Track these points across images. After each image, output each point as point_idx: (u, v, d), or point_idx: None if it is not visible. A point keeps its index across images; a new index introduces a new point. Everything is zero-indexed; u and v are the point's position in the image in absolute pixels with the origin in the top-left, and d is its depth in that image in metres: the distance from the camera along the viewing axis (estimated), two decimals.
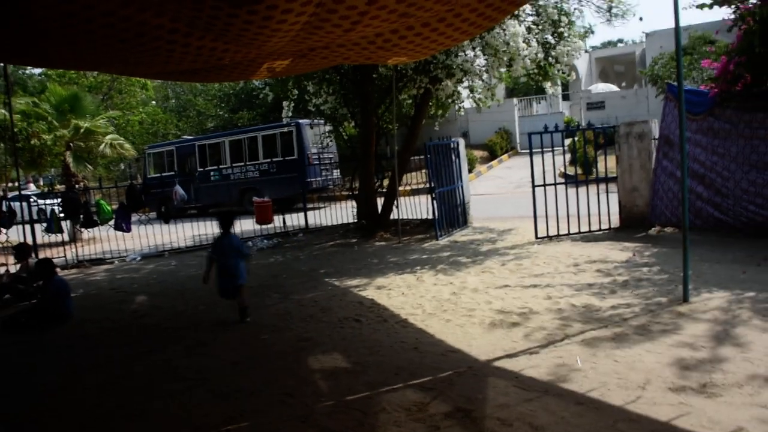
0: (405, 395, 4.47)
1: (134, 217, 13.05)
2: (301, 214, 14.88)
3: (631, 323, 5.61)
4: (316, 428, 4.06)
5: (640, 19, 31.08)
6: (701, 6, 9.74)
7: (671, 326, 5.43)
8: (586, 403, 4.08)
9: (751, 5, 8.72)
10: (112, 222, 12.41)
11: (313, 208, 17.69)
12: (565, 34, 11.90)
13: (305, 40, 5.92)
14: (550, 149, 11.10)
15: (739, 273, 7.02)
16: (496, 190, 20.48)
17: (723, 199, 9.20)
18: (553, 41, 11.74)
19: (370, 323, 6.44)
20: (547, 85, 12.96)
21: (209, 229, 15.15)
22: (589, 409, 4.00)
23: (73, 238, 15.71)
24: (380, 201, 13.33)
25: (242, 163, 22.15)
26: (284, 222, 14.51)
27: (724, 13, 9.21)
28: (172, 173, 23.29)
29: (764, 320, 5.38)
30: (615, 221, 10.67)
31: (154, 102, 32.85)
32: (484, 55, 11.38)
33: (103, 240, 15.08)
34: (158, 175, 23.80)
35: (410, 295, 7.41)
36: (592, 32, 12.43)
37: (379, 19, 5.35)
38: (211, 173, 22.84)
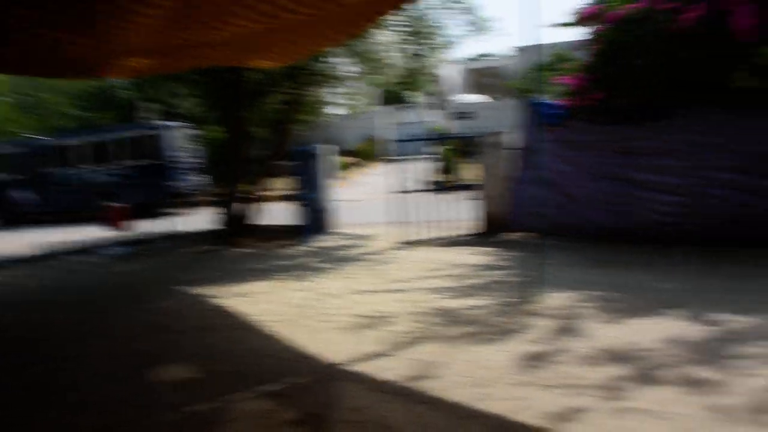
0: (257, 403, 4.34)
1: None
2: (162, 220, 14.22)
3: (483, 324, 5.76)
4: None
5: (506, 36, 32.70)
6: (564, 25, 10.35)
7: (520, 326, 5.63)
8: (438, 402, 4.13)
9: (603, 27, 9.30)
10: None
11: (176, 214, 16.98)
12: (434, 45, 12.19)
13: (167, 36, 5.60)
14: (420, 156, 11.28)
15: (584, 275, 7.43)
16: (364, 197, 20.60)
17: (574, 206, 9.71)
18: (421, 52, 11.98)
19: (226, 331, 6.21)
20: (415, 94, 13.22)
21: (60, 235, 14.23)
22: (440, 407, 4.06)
23: None
24: (246, 207, 12.98)
25: (99, 166, 20.88)
26: (143, 229, 13.80)
27: (583, 33, 9.79)
28: (16, 176, 21.54)
29: (601, 317, 5.73)
30: (478, 227, 10.98)
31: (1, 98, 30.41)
32: (353, 62, 11.42)
33: None
34: (4, 176, 21.94)
35: (271, 302, 7.23)
36: (461, 43, 12.84)
37: (245, 20, 5.17)
38: (64, 176, 21.36)
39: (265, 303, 7.22)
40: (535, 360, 4.76)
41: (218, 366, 5.19)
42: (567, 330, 5.44)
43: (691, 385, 4.11)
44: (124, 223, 13.12)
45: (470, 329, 5.64)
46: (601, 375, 4.36)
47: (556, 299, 6.42)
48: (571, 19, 10.01)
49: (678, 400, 3.90)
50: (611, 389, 4.12)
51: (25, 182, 20.14)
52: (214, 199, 13.89)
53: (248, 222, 12.80)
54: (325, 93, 12.41)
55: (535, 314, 5.95)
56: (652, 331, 5.21)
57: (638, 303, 6.07)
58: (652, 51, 8.30)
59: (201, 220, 14.43)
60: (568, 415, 3.79)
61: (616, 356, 4.70)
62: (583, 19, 9.61)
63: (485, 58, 51.74)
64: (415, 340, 5.45)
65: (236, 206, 12.79)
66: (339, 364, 5.01)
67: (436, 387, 4.37)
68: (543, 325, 5.62)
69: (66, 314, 7.49)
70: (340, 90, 12.79)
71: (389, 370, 4.76)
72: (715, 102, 8.34)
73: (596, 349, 4.89)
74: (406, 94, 13.59)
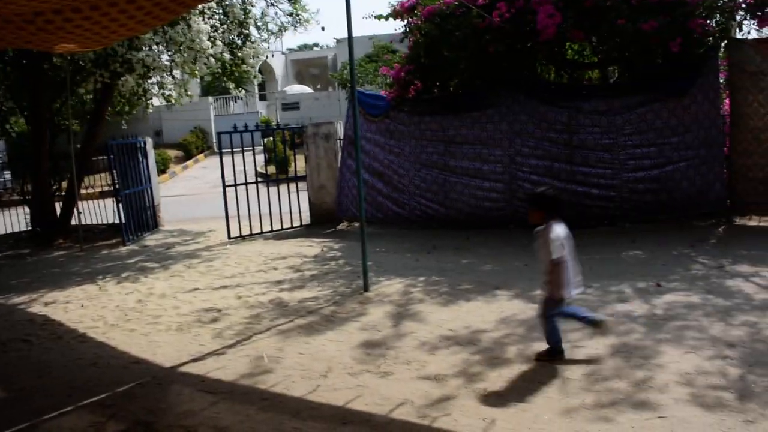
0: (79, 417, 4.07)
1: None
2: None
3: (316, 315, 5.84)
4: None
5: (323, 28, 33.04)
6: (379, 17, 10.60)
7: (353, 314, 5.77)
8: (271, 398, 4.12)
9: (418, 21, 9.69)
10: None
11: None
12: (251, 36, 12.02)
13: None
14: (248, 149, 11.11)
15: (413, 261, 7.75)
16: (191, 191, 19.95)
17: (400, 194, 10.08)
18: (239, 42, 11.77)
19: (41, 343, 5.75)
20: (232, 86, 13.01)
21: None
22: (273, 403, 4.05)
23: None
24: (59, 205, 12.06)
25: None
26: None
27: (399, 25, 10.13)
28: None
29: (433, 301, 6.01)
30: (306, 219, 11.05)
31: None
32: (168, 50, 10.97)
33: None
34: None
35: (91, 307, 6.80)
36: (281, 33, 12.74)
37: None
38: None
39: (87, 308, 6.78)
40: (370, 348, 4.89)
41: (34, 381, 4.79)
42: (401, 316, 5.64)
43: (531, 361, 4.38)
44: None
45: (303, 321, 5.69)
46: (440, 359, 4.55)
47: (386, 286, 6.64)
48: (387, 12, 10.32)
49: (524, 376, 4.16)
50: (454, 373, 4.28)
51: None
52: (22, 197, 12.75)
53: (63, 221, 11.92)
54: (143, 82, 11.78)
55: (367, 302, 6.12)
56: (486, 312, 5.53)
57: (467, 285, 6.43)
58: (463, 45, 8.79)
59: (8, 221, 13.20)
60: (409, 401, 3.90)
61: (454, 339, 4.93)
62: (399, 12, 9.95)
63: (311, 49, 51.87)
64: (247, 336, 5.40)
65: (48, 205, 11.85)
66: (169, 366, 4.84)
67: (270, 382, 4.36)
68: (376, 312, 5.80)
69: None
70: (158, 80, 12.21)
71: (221, 369, 4.68)
72: (525, 93, 9.03)
73: (434, 332, 5.10)
74: (230, 84, 13.27)
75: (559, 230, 4.27)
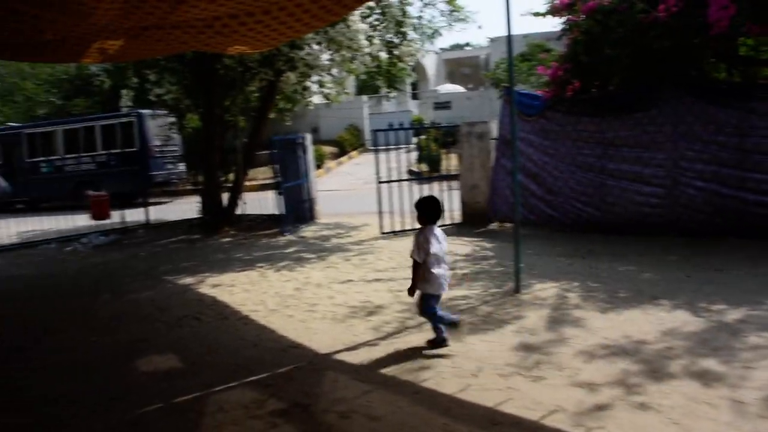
0: (243, 393, 4.35)
1: None
2: (142, 209, 14.13)
3: (467, 314, 5.82)
4: None
5: (479, 27, 32.84)
6: (536, 14, 10.39)
7: (504, 315, 5.71)
8: (422, 393, 4.17)
9: (577, 17, 9.39)
10: None
11: (156, 203, 16.87)
12: (408, 35, 12.19)
13: (134, 13, 5.53)
14: (399, 146, 11.33)
15: (567, 265, 7.53)
16: (344, 186, 20.62)
17: (554, 197, 9.83)
18: (396, 41, 11.98)
19: (209, 321, 6.22)
20: (394, 84, 13.25)
21: (38, 224, 14.08)
22: (424, 398, 4.09)
23: None
24: (226, 196, 12.96)
25: (77, 155, 20.67)
26: (123, 218, 13.71)
27: (557, 23, 9.88)
28: None
29: (588, 307, 5.79)
30: (457, 217, 11.07)
31: None
32: (328, 50, 11.40)
33: None
34: None
35: (253, 292, 7.25)
36: (440, 33, 12.87)
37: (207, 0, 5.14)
38: (42, 164, 21.11)
39: (250, 293, 7.24)
40: (522, 350, 4.81)
41: (204, 356, 5.20)
42: (554, 320, 5.51)
43: (698, 377, 4.11)
44: (104, 212, 13.02)
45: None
46: (596, 368, 4.39)
47: (538, 290, 6.50)
48: (545, 9, 10.08)
49: (687, 394, 3.91)
50: (610, 382, 4.13)
51: (2, 170, 19.88)
52: (194, 188, 13.82)
53: (229, 211, 12.78)
54: (304, 81, 12.36)
55: (518, 304, 6.03)
56: (644, 323, 5.27)
57: (624, 294, 6.15)
58: (626, 42, 8.40)
59: (181, 209, 14.38)
60: (561, 408, 3.80)
61: (611, 348, 4.73)
62: (558, 8, 9.68)
63: (462, 48, 51.85)
64: (399, 329, 5.51)
65: (217, 195, 12.76)
66: (324, 353, 5.05)
67: (422, 377, 4.42)
68: (528, 314, 5.70)
69: (46, 304, 7.46)
70: (318, 78, 12.74)
71: (373, 360, 4.81)
72: (692, 93, 8.48)
73: (589, 340, 4.94)
74: (385, 83, 13.57)
75: (430, 235, 4.85)
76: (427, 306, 4.94)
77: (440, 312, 5.01)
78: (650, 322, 5.26)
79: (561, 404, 3.84)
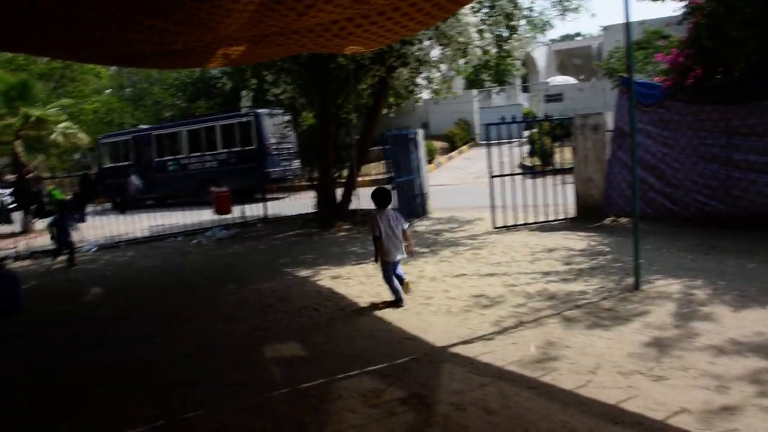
0: (361, 382, 4.50)
1: (89, 208, 12.80)
2: (260, 205, 14.77)
3: (584, 310, 5.72)
4: (270, 417, 4.06)
5: (593, 15, 31.71)
6: None
7: (623, 312, 5.56)
8: (538, 388, 4.16)
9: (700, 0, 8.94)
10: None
11: (273, 199, 17.55)
12: (518, 28, 12.03)
13: (259, 24, 5.85)
14: (510, 140, 11.22)
15: (689, 261, 7.21)
16: (455, 181, 20.60)
17: (673, 190, 9.42)
18: (506, 34, 11.85)
19: (327, 312, 6.45)
20: (504, 77, 13.11)
21: (166, 219, 15.01)
22: (540, 393, 4.08)
23: (25, 229, 15.34)
24: (339, 191, 13.31)
25: (200, 153, 21.85)
26: (243, 212, 14.39)
27: (676, 7, 9.44)
28: (128, 163, 22.87)
29: (711, 306, 5.52)
30: (571, 211, 10.84)
31: (108, 90, 32.12)
32: (439, 45, 11.44)
33: None
34: (113, 164, 23.34)
35: (368, 284, 7.43)
36: (551, 26, 12.62)
37: (333, 4, 5.33)
38: (169, 163, 22.48)
39: (365, 285, 7.43)
40: (642, 348, 4.69)
41: (323, 345, 5.41)
42: (676, 317, 5.32)
43: None
44: (225, 207, 13.71)
45: (570, 314, 5.62)
46: (724, 366, 4.22)
47: (659, 286, 6.28)
48: None
49: None
50: (741, 381, 3.98)
51: (134, 170, 21.36)
52: (309, 183, 14.28)
53: (343, 206, 13.12)
54: (414, 76, 12.46)
55: (637, 300, 5.86)
56: None
57: (755, 292, 5.81)
58: (754, 22, 7.90)
59: (297, 204, 14.90)
60: (687, 409, 3.69)
61: (742, 346, 4.53)
62: None
63: (573, 38, 50.35)
64: (514, 324, 5.49)
65: (331, 190, 13.12)
66: (440, 346, 5.12)
67: (538, 372, 4.40)
68: (648, 311, 5.53)
69: (174, 293, 7.98)
70: (427, 74, 12.81)
71: (490, 353, 4.83)
72: None
73: (711, 337, 4.75)
74: (495, 76, 13.46)
75: (381, 217, 6.27)
76: (385, 271, 6.39)
77: (401, 273, 6.52)
78: None
79: (686, 405, 3.72)
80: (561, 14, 12.78)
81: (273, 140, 20.09)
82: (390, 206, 6.51)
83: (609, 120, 10.72)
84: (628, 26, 6.18)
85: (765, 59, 8.41)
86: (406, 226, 6.42)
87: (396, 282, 6.39)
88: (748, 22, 7.96)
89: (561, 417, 3.72)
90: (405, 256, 6.40)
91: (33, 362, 5.77)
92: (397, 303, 6.36)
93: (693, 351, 4.54)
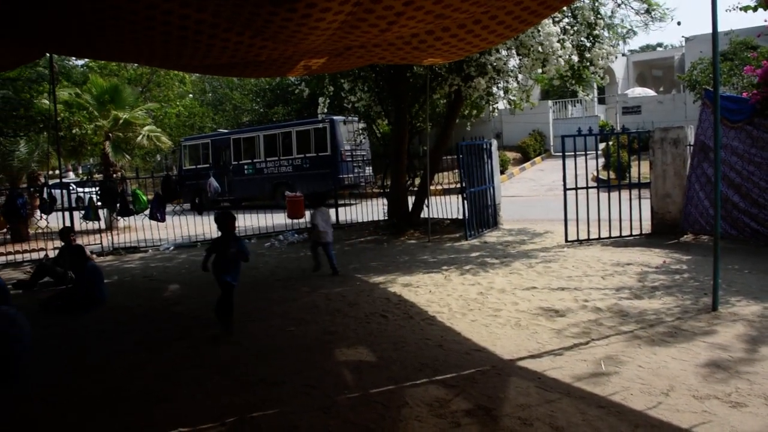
0: (427, 391, 4.52)
1: (169, 208, 13.30)
2: (333, 210, 14.99)
3: (657, 329, 5.58)
4: (338, 419, 4.13)
5: (678, 23, 30.61)
6: (745, 8, 9.56)
7: (698, 334, 5.39)
8: (608, 407, 4.08)
9: None
10: (147, 211, 12.68)
11: (345, 205, 17.78)
12: (601, 37, 11.81)
13: (342, 39, 6.00)
14: (584, 153, 11.04)
15: None
16: (527, 193, 20.37)
17: (760, 210, 9.04)
18: (588, 43, 11.66)
19: (396, 319, 6.50)
20: (579, 89, 12.88)
21: (241, 222, 15.41)
22: (610, 412, 4.00)
23: (110, 226, 16.09)
24: (411, 199, 13.38)
25: (276, 158, 22.38)
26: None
27: (767, 16, 9.07)
28: (207, 165, 23.65)
29: None
30: (646, 227, 10.56)
31: (191, 95, 33.28)
32: (518, 54, 11.35)
33: (138, 229, 15.38)
34: (193, 167, 24.21)
35: (437, 294, 7.46)
36: (634, 33, 12.31)
37: (415, 20, 5.41)
38: (245, 167, 23.13)
39: (434, 294, 7.46)
40: (720, 372, 4.54)
41: (390, 352, 5.46)
42: (757, 341, 5.12)
43: None
44: (299, 211, 13.99)
45: (643, 332, 5.50)
46: None
47: (739, 307, 6.06)
48: (754, 2, 9.21)
49: None
50: None
51: (212, 172, 22.10)
52: (381, 191, 14.41)
53: (415, 214, 13.17)
54: (490, 86, 12.40)
55: (716, 322, 5.67)
56: None
57: None
58: None
59: (368, 210, 15.06)
60: None
61: None
62: None
63: (654, 49, 48.96)
64: (585, 340, 5.41)
65: (403, 198, 13.20)
66: (507, 359, 5.10)
67: (608, 390, 4.33)
68: (728, 333, 5.35)
69: (250, 294, 8.19)
70: (504, 84, 12.73)
71: (558, 368, 4.78)
72: None
73: None
74: (572, 87, 13.23)
75: (318, 213, 8.95)
76: (314, 244, 9.19)
77: (334, 257, 9.06)
78: None
79: None
80: (645, 24, 12.48)
81: (347, 147, 20.38)
82: (323, 205, 9.22)
83: (690, 134, 10.40)
84: (714, 36, 5.98)
85: None
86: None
87: (320, 255, 9.13)
88: None
89: None
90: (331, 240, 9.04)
91: (120, 351, 6.05)
92: (316, 268, 9.19)
93: None
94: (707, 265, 7.70)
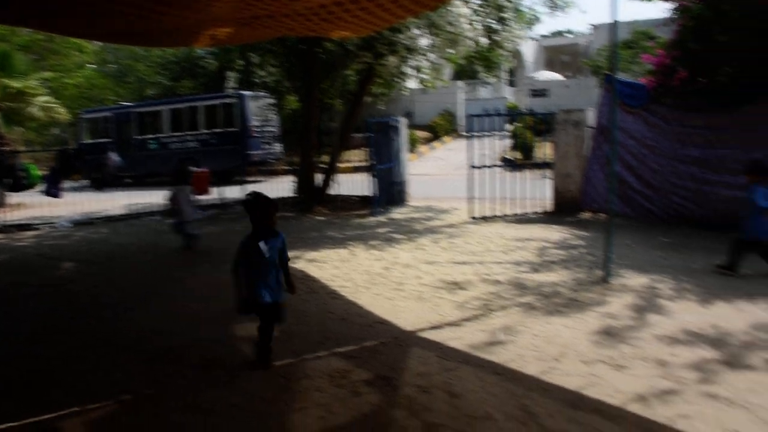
0: (329, 363, 4.53)
1: (66, 184, 12.67)
2: (239, 187, 14.68)
3: (552, 300, 5.81)
4: (238, 393, 4.07)
5: (583, 12, 31.84)
6: None
7: (590, 304, 5.65)
8: (503, 373, 4.22)
9: (688, 2, 9.00)
10: (42, 187, 12.02)
11: (253, 181, 17.49)
12: (509, 21, 12.05)
13: (249, 7, 5.83)
14: (493, 133, 11.27)
15: (661, 258, 7.33)
16: (436, 171, 20.65)
17: (652, 191, 9.53)
18: (496, 26, 11.87)
19: (299, 294, 6.35)
20: (485, 71, 13.12)
21: (144, 198, 14.90)
22: (505, 378, 4.14)
23: (1, 203, 15.15)
24: (320, 176, 13.29)
25: (182, 133, 21.67)
26: (221, 194, 14.30)
27: (667, 8, 9.50)
28: (109, 140, 22.63)
29: (674, 302, 5.65)
30: (549, 205, 10.92)
31: (92, 66, 31.73)
32: (429, 34, 11.43)
33: (33, 206, 14.58)
34: (94, 141, 23.08)
35: (342, 269, 7.46)
36: (538, 20, 12.66)
37: None
38: (149, 142, 22.28)
39: (339, 269, 7.45)
40: (606, 338, 4.78)
41: (293, 326, 5.41)
42: (642, 310, 5.43)
43: None
44: (204, 187, 13.62)
45: (539, 303, 5.71)
46: (679, 357, 4.35)
47: (628, 279, 6.40)
48: None
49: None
50: (690, 372, 4.10)
51: (114, 147, 21.18)
52: (290, 167, 14.24)
53: (323, 191, 13.10)
54: (401, 65, 12.43)
55: (606, 293, 5.96)
56: (736, 317, 5.14)
57: (717, 290, 5.96)
58: (740, 26, 7.98)
59: (276, 187, 14.82)
60: (643, 397, 3.78)
61: (694, 338, 4.68)
62: None
63: (563, 35, 50.55)
64: (484, 311, 5.57)
65: (311, 175, 13.09)
66: (409, 330, 5.17)
67: (504, 357, 4.46)
68: (616, 303, 5.64)
69: (152, 271, 7.94)
70: (415, 62, 12.79)
71: (458, 339, 4.88)
72: None
73: (673, 330, 4.87)
74: (481, 69, 13.46)
75: (178, 191, 8.96)
76: (179, 224, 9.10)
77: (188, 233, 9.12)
78: (742, 317, 5.15)
79: (642, 392, 3.82)
80: (550, 10, 12.84)
81: (256, 123, 19.99)
82: (186, 184, 9.26)
83: (592, 117, 10.80)
84: (614, 24, 6.22)
85: (748, 64, 8.51)
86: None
87: (186, 232, 9.14)
88: (733, 27, 8.04)
89: (524, 401, 3.79)
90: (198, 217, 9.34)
91: (9, 333, 5.72)
92: (188, 246, 9.21)
93: (652, 341, 4.67)
94: (602, 240, 8.01)
